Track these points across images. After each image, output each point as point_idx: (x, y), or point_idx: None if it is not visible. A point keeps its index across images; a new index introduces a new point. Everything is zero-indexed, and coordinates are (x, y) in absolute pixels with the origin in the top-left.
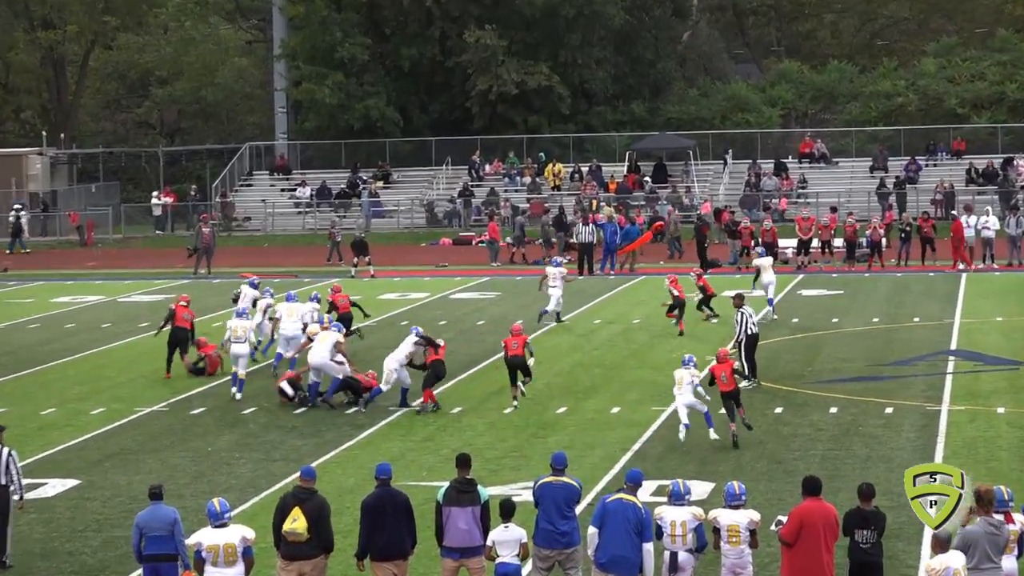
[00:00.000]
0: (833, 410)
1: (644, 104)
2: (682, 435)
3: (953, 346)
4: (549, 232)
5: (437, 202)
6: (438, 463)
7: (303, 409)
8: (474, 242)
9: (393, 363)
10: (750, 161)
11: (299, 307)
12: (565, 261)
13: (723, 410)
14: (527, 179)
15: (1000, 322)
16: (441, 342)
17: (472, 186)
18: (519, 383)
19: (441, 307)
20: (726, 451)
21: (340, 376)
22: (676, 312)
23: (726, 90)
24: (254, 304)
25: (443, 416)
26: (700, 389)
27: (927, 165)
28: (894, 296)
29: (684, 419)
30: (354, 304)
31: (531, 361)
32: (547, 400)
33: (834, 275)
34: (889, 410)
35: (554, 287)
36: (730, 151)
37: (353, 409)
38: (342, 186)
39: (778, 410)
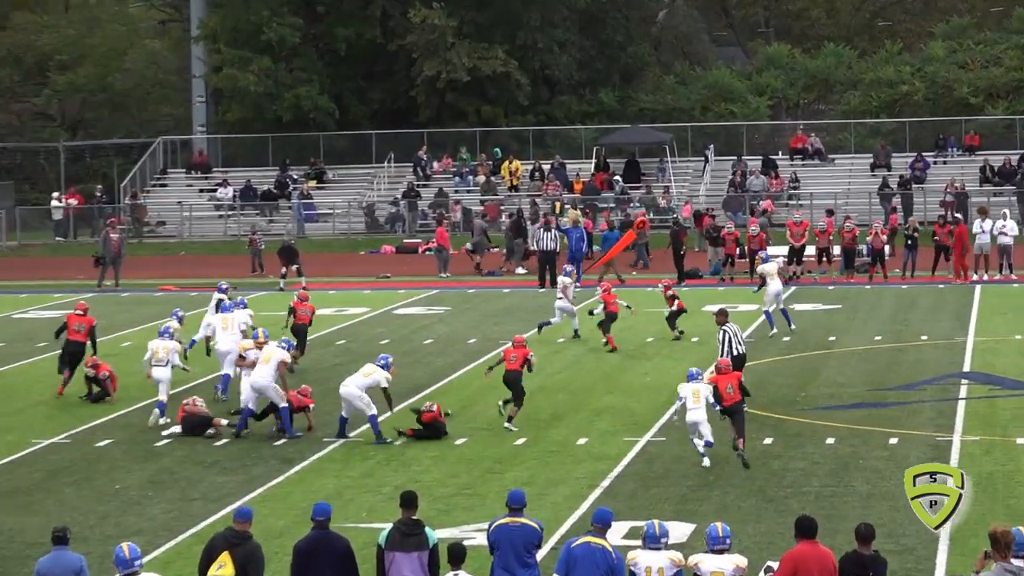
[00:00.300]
0: (830, 441)
1: (614, 93)
2: (706, 461)
3: (966, 368)
4: (510, 239)
5: (378, 204)
6: (380, 502)
7: (225, 441)
8: (420, 250)
9: (357, 390)
10: (734, 158)
11: (234, 317)
12: (523, 272)
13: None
14: (481, 178)
15: (1019, 341)
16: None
17: (418, 186)
18: (500, 406)
19: (383, 324)
20: (708, 488)
21: (283, 404)
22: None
23: (707, 77)
24: (218, 307)
25: (385, 449)
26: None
27: (936, 162)
28: (899, 312)
29: (708, 435)
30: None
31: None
32: (504, 430)
33: (831, 287)
34: (894, 441)
35: (560, 299)
36: (712, 146)
37: (282, 440)
38: (269, 186)
39: (767, 441)
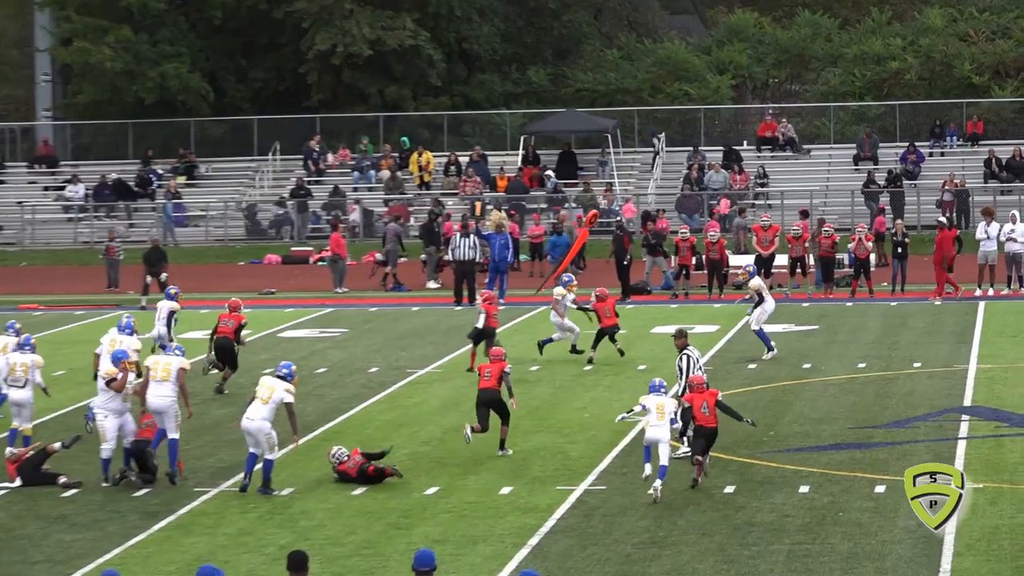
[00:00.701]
0: (804, 489)
1: (545, 71)
2: (656, 490)
3: (967, 402)
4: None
5: (261, 205)
6: (262, 564)
7: (74, 491)
8: (312, 260)
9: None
10: (690, 149)
11: (121, 341)
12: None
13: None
14: (385, 173)
15: None
16: None
17: (309, 183)
18: (466, 433)
19: (266, 349)
20: (657, 546)
21: (175, 436)
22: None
23: (657, 52)
24: (171, 318)
25: (268, 500)
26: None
27: (932, 154)
28: (887, 334)
29: (664, 459)
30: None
31: (511, 403)
32: (412, 477)
33: (806, 304)
34: (880, 489)
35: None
36: (663, 135)
37: (144, 491)
38: (129, 183)
39: (729, 489)
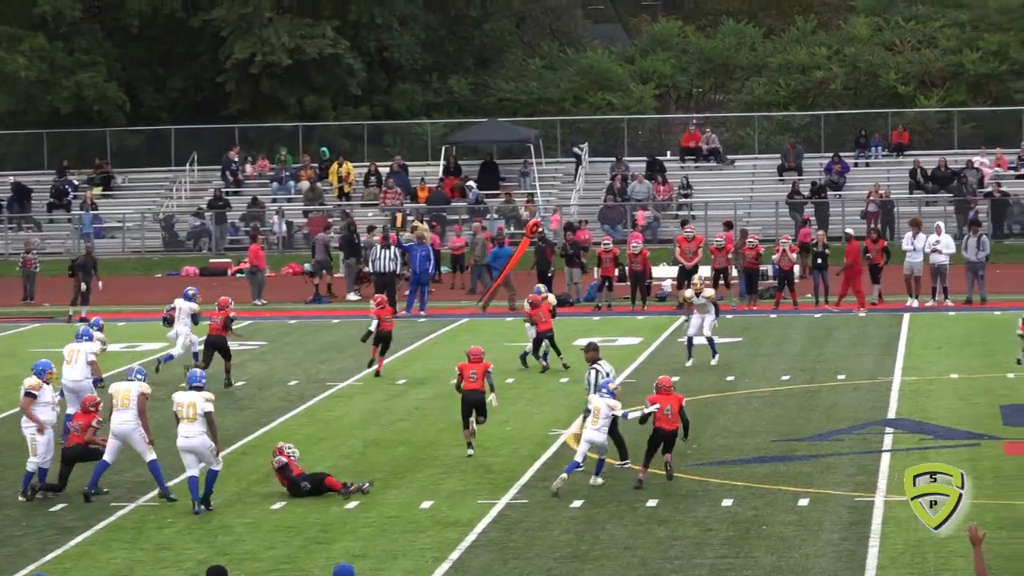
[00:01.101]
0: (727, 503)
1: (467, 80)
2: (559, 484)
3: (892, 414)
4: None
5: (178, 216)
6: None
7: None
8: (230, 272)
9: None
10: (613, 159)
11: (80, 348)
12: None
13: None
14: (304, 184)
15: (955, 381)
16: None
17: (227, 194)
18: (472, 423)
19: (180, 361)
20: (579, 559)
21: (151, 456)
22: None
23: (580, 61)
24: (194, 320)
25: (185, 515)
26: (627, 415)
27: (857, 164)
28: (812, 346)
29: (579, 457)
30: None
31: (492, 398)
32: (327, 495)
33: (729, 316)
34: (804, 502)
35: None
36: (586, 145)
37: (61, 505)
38: (44, 194)
39: (652, 503)
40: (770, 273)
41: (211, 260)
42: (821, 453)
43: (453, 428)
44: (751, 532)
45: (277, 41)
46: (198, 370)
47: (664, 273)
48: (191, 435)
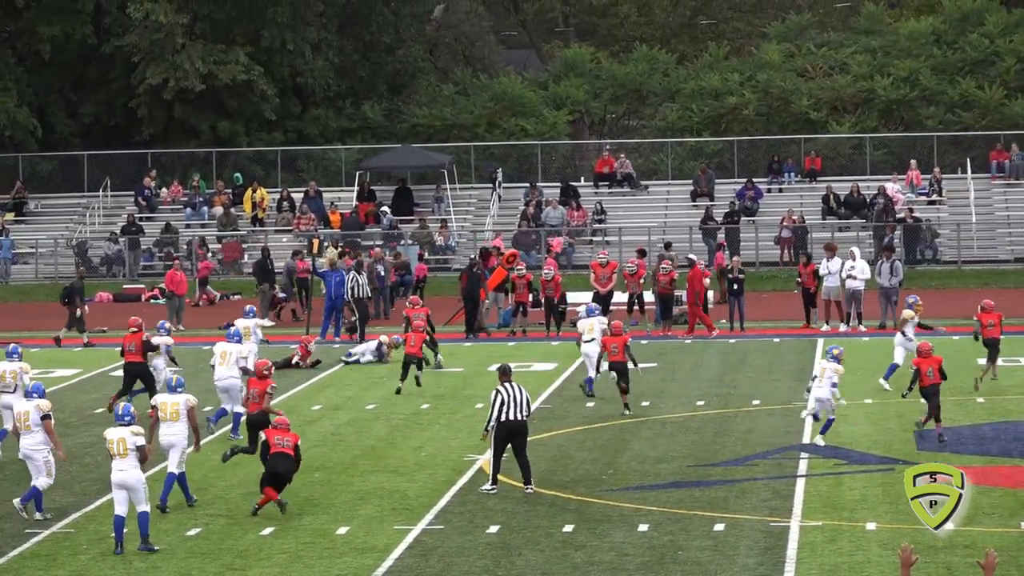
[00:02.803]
0: (643, 528)
1: (380, 106)
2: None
3: (806, 439)
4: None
5: (92, 242)
6: None
7: None
8: (144, 297)
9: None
10: (527, 185)
11: (231, 350)
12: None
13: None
14: (218, 209)
15: (870, 406)
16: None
17: (141, 219)
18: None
19: (97, 388)
20: None
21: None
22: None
23: (494, 86)
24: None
25: (102, 541)
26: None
27: (770, 190)
28: (726, 371)
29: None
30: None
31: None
32: (246, 517)
33: (644, 342)
34: (719, 527)
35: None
36: (500, 171)
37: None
38: None
39: (567, 528)
40: (684, 299)
41: (125, 286)
42: (736, 478)
43: (369, 454)
44: (667, 557)
45: (190, 67)
46: (128, 405)
47: (578, 299)
48: (124, 468)
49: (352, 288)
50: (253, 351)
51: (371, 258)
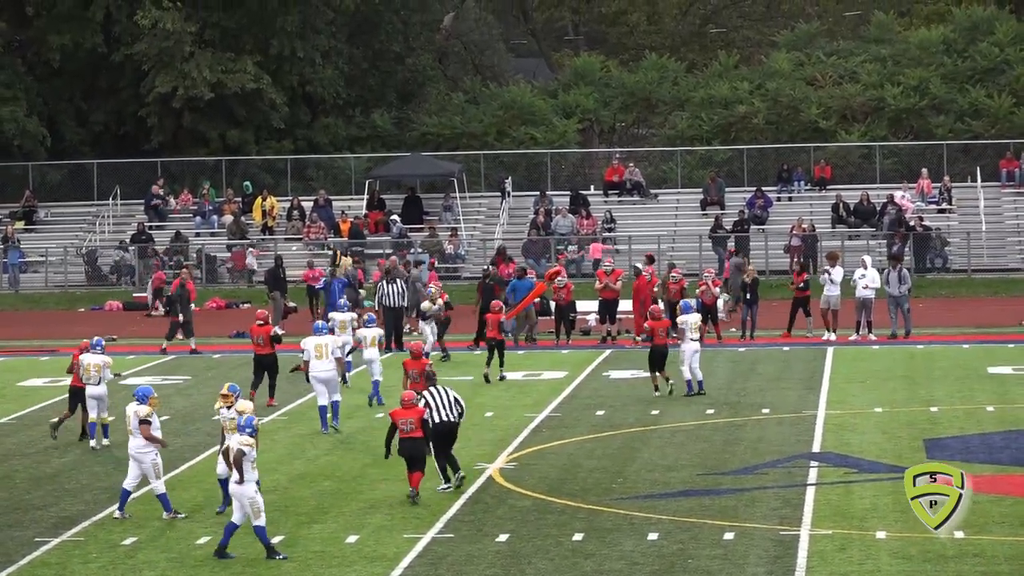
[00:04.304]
0: (653, 536)
1: (390, 115)
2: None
3: (816, 448)
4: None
5: (102, 251)
6: None
7: None
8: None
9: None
10: (537, 193)
11: (327, 343)
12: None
13: None
14: (228, 218)
15: (879, 415)
16: None
17: (151, 228)
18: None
19: (108, 396)
20: None
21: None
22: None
23: (503, 95)
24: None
25: (111, 549)
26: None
27: (780, 199)
28: (735, 380)
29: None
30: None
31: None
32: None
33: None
34: (729, 536)
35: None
36: (509, 179)
37: None
38: None
39: (578, 536)
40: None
41: (135, 294)
42: (746, 487)
43: (378, 462)
44: (676, 566)
45: (199, 75)
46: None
47: (588, 307)
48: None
49: (381, 298)
50: (348, 343)
51: (407, 271)
